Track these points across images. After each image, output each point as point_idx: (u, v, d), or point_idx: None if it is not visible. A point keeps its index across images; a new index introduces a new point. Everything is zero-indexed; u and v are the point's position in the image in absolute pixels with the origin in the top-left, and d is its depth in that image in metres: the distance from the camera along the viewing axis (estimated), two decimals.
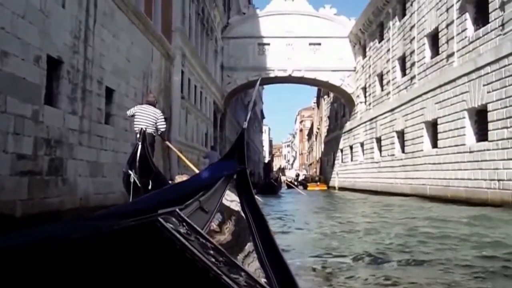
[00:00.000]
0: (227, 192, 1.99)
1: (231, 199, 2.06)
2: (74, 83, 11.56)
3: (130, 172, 7.85)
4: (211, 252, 1.08)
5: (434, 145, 21.21)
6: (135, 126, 9.03)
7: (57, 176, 10.50)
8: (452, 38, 19.49)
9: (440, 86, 20.28)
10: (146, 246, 1.07)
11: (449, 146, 19.21)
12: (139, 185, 7.74)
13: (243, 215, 2.04)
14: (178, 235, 1.04)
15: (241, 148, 2.36)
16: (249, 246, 1.84)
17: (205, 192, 1.62)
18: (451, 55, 19.59)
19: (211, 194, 1.68)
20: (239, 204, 2.10)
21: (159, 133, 9.38)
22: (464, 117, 18.05)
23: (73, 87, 11.51)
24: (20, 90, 9.08)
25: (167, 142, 10.65)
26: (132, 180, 7.77)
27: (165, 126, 9.55)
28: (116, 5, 14.48)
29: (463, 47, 18.65)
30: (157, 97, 17.84)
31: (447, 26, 20.06)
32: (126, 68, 15.43)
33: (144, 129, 8.20)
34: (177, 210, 1.08)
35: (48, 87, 10.39)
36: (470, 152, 17.39)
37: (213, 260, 1.07)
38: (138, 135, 8.09)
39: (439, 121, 20.35)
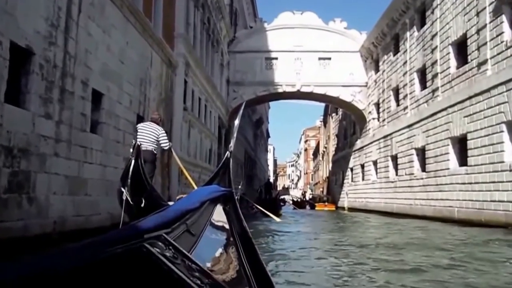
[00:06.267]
0: (215, 214, 2.05)
1: (218, 221, 2.08)
2: (50, 81, 9.35)
3: (122, 189, 7.25)
4: (197, 274, 1.14)
5: (463, 162, 18.82)
6: (138, 142, 8.26)
7: (20, 194, 8.22)
8: (485, 44, 17.23)
9: (470, 98, 17.99)
10: (134, 272, 1.10)
11: (482, 164, 16.81)
12: (131, 203, 7.13)
13: (230, 237, 2.07)
14: (164, 259, 1.09)
15: (226, 171, 2.60)
16: (236, 268, 1.83)
17: (192, 215, 1.68)
18: (483, 62, 17.29)
19: (197, 217, 1.76)
20: (227, 226, 2.12)
21: (165, 147, 9.00)
22: (502, 131, 15.67)
23: (48, 85, 9.30)
24: None
25: (174, 154, 9.45)
26: (124, 198, 7.16)
27: (167, 143, 8.86)
28: None
29: (498, 53, 16.35)
30: (160, 113, 15.90)
31: (478, 31, 17.82)
32: (119, 70, 13.24)
33: (139, 144, 7.59)
34: (164, 234, 1.16)
35: (13, 83, 8.19)
36: (511, 170, 14.98)
37: (198, 282, 1.12)
38: (131, 150, 7.46)
39: (469, 136, 18.00)
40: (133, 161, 7.24)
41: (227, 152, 2.71)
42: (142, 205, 7.07)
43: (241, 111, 4.09)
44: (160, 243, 1.11)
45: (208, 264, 1.57)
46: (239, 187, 18.91)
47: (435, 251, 9.41)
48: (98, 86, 11.75)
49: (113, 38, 12.83)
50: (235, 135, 3.28)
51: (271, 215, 18.71)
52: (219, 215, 2.12)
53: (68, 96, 10.12)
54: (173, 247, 1.13)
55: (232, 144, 2.91)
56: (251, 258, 1.90)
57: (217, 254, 1.84)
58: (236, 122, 3.46)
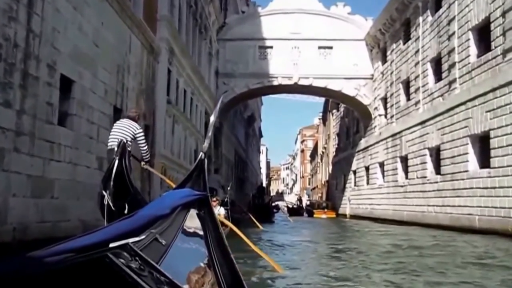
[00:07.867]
0: (188, 220, 2.09)
1: (192, 228, 2.11)
2: (10, 63, 8.82)
3: (104, 193, 7.05)
4: (166, 287, 1.17)
5: (485, 164, 18.43)
6: (108, 142, 8.23)
7: None
8: (511, 28, 16.76)
9: (493, 90, 17.61)
10: (95, 284, 1.11)
11: (508, 166, 16.41)
12: (113, 208, 6.92)
13: (204, 244, 2.08)
14: (129, 271, 1.11)
15: (201, 174, 2.64)
16: (210, 279, 1.83)
17: (162, 222, 1.75)
18: (510, 49, 16.90)
19: (168, 225, 1.81)
20: (201, 233, 2.14)
21: (144, 157, 8.71)
22: None
23: (8, 68, 8.78)
24: None
25: (147, 166, 9.15)
26: (106, 203, 6.94)
27: (146, 145, 8.64)
28: None
29: None
30: (141, 105, 15.45)
31: (504, 13, 17.44)
32: (92, 54, 12.69)
33: (125, 142, 7.39)
34: (130, 243, 1.18)
35: None
36: None
37: None
38: (116, 149, 7.31)
39: (492, 133, 17.59)
40: (116, 161, 7.02)
41: (201, 153, 2.77)
42: (126, 211, 6.79)
43: (218, 106, 4.23)
44: (125, 253, 1.12)
45: (179, 276, 1.56)
46: (228, 189, 18.42)
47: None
48: (68, 72, 11.18)
49: (85, 17, 12.28)
50: (210, 134, 3.31)
51: (257, 223, 18.96)
52: (192, 221, 2.15)
53: (32, 82, 9.56)
54: (140, 257, 1.15)
55: (206, 144, 2.93)
56: (226, 267, 1.94)
57: (189, 264, 1.86)
58: (212, 118, 3.51)
